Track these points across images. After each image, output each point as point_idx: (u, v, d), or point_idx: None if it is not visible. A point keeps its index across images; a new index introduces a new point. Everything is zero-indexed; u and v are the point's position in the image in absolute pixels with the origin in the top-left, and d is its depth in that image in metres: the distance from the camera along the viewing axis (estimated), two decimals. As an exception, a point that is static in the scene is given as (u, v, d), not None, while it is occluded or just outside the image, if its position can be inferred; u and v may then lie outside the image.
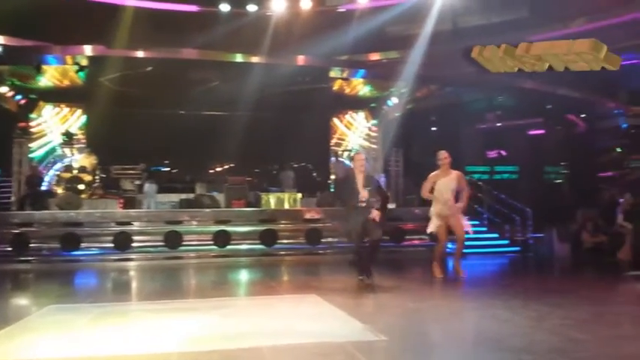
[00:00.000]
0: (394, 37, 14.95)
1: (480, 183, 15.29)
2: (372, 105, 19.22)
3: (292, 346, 4.53)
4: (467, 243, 9.42)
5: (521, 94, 17.33)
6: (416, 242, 13.17)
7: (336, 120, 20.00)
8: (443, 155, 8.52)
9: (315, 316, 5.67)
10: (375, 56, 15.28)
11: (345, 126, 20.07)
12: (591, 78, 15.40)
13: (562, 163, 20.00)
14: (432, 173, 8.60)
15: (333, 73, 16.29)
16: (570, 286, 8.40)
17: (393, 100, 17.96)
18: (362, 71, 16.02)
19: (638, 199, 10.11)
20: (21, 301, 8.01)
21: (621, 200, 11.71)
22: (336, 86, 17.61)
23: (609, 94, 17.23)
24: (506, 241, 13.68)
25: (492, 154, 20.41)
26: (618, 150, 18.32)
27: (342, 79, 16.65)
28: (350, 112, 20.04)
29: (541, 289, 7.93)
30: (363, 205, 7.65)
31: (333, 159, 15.67)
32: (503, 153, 20.26)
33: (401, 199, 16.36)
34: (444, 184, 8.40)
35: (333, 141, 19.73)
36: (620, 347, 4.41)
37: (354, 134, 19.96)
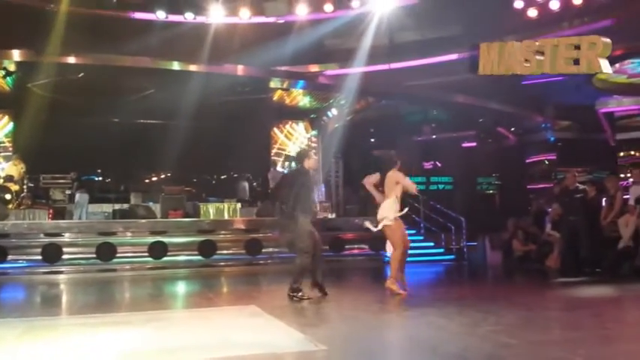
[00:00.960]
0: (333, 50, 15.19)
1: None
2: (313, 116, 19.37)
3: (230, 358, 4.45)
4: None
5: (454, 108, 17.95)
6: (355, 252, 13.32)
7: (276, 130, 19.98)
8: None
9: (254, 328, 5.61)
10: (314, 68, 15.43)
11: (286, 136, 20.08)
12: (520, 93, 16.19)
13: (494, 175, 20.79)
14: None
15: (273, 84, 16.30)
16: (502, 293, 8.70)
17: (333, 112, 18.16)
18: (301, 82, 16.13)
19: (564, 209, 10.60)
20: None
21: (549, 210, 12.27)
22: (276, 96, 17.62)
23: (537, 109, 18.10)
24: (441, 250, 14.07)
25: (428, 165, 20.97)
26: (546, 162, 19.23)
27: (282, 89, 16.69)
28: (290, 123, 20.08)
29: (475, 296, 8.18)
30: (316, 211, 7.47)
31: (271, 169, 15.64)
32: (439, 164, 20.86)
33: (341, 209, 16.50)
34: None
35: (274, 151, 19.70)
36: (549, 351, 4.59)
37: (294, 144, 20.00)
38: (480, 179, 20.71)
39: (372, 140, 20.47)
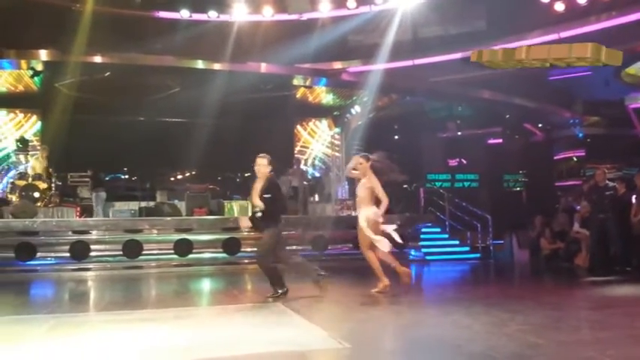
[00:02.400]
0: (356, 46, 15.11)
1: (441, 191, 15.54)
2: (336, 113, 19.33)
3: (254, 355, 4.47)
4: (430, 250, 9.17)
5: (480, 104, 17.73)
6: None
7: (299, 127, 20.00)
8: (358, 160, 7.79)
9: (278, 325, 5.61)
10: (337, 65, 15.39)
11: (309, 134, 20.09)
12: (547, 89, 15.92)
13: (520, 172, 20.48)
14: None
15: (296, 81, 16.31)
16: (529, 292, 8.57)
17: (356, 109, 18.09)
18: (324, 79, 16.10)
19: (593, 206, 10.39)
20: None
21: (578, 207, 12.04)
22: (299, 94, 17.63)
23: (565, 104, 17.77)
24: (467, 248, 13.92)
25: (453, 162, 20.75)
26: (575, 159, 18.88)
27: (305, 87, 16.69)
28: (313, 120, 20.08)
29: (501, 295, 8.07)
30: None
31: (294, 167, 15.64)
32: (464, 161, 20.62)
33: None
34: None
35: (297, 148, 19.73)
36: (578, 352, 4.50)
37: (318, 142, 20.00)
38: (506, 176, 20.43)
39: (396, 137, 20.34)
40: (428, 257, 13.20)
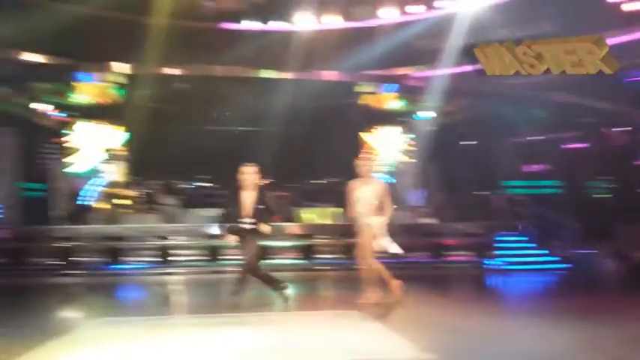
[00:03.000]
0: (422, 51, 14.98)
1: (521, 198, 15.05)
2: (404, 119, 19.16)
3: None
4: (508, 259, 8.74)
5: (554, 107, 17.07)
6: (457, 258, 13.00)
7: (367, 135, 19.97)
8: (361, 163, 7.61)
9: (359, 333, 5.63)
10: (403, 70, 15.31)
11: (379, 141, 20.01)
12: (627, 90, 15.10)
13: (604, 178, 19.48)
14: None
15: (363, 88, 16.33)
16: (619, 304, 8.14)
17: (424, 114, 17.88)
18: (390, 85, 16.02)
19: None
20: (68, 314, 8.16)
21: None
22: (365, 101, 17.64)
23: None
24: (552, 258, 13.35)
25: (528, 168, 20.04)
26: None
27: (371, 93, 16.66)
28: (383, 127, 19.99)
29: (589, 307, 7.72)
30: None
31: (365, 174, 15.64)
32: (540, 167, 19.87)
33: (440, 214, 16.20)
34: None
35: (367, 156, 19.68)
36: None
37: (387, 149, 19.89)
38: (590, 182, 19.50)
39: (466, 143, 19.89)
40: (506, 267, 12.81)
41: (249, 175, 7.20)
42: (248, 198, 7.12)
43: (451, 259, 12.96)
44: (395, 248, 7.41)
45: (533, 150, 19.79)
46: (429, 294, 9.10)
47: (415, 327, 6.33)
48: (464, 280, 11.67)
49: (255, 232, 7.08)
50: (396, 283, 7.38)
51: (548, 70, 7.69)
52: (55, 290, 10.39)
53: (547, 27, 13.44)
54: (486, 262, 12.89)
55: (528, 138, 19.59)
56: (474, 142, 19.51)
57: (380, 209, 7.29)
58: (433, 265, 12.56)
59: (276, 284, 7.38)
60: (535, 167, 19.99)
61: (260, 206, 7.11)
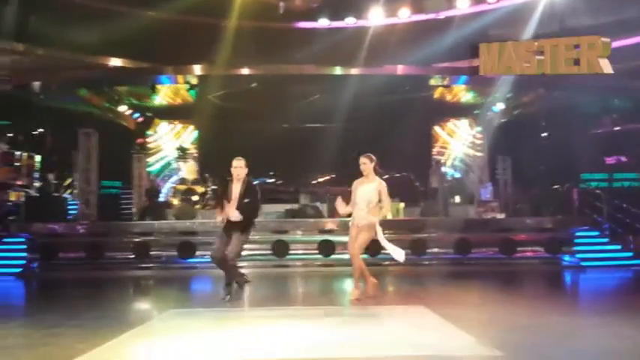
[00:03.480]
0: (497, 41, 14.49)
1: (598, 191, 14.33)
2: (476, 111, 18.71)
3: (402, 357, 4.51)
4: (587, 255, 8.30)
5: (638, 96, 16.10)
6: (528, 254, 12.55)
7: (437, 128, 19.65)
8: (362, 160, 7.39)
9: (423, 328, 5.57)
10: (477, 62, 14.87)
11: (448, 134, 19.66)
12: None
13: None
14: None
15: (433, 81, 16.06)
16: None
17: (499, 106, 17.35)
18: (464, 78, 15.66)
19: None
20: (143, 305, 8.55)
21: None
22: (437, 94, 17.33)
23: None
24: (629, 254, 12.66)
25: (610, 160, 19.01)
26: None
27: (443, 86, 16.36)
28: (452, 120, 19.62)
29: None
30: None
31: (433, 167, 15.41)
32: (623, 159, 18.80)
33: (510, 208, 15.71)
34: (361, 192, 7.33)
35: (435, 149, 19.40)
36: None
37: (458, 142, 19.50)
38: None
39: (544, 135, 19.15)
40: (583, 263, 12.25)
41: (241, 169, 7.25)
42: (235, 191, 7.20)
43: (522, 255, 12.52)
44: (398, 254, 7.35)
45: (613, 141, 18.78)
46: (497, 291, 8.88)
47: (482, 324, 6.18)
48: (535, 276, 11.27)
49: (240, 225, 7.11)
50: (373, 282, 7.47)
51: (542, 71, 7.80)
52: (130, 283, 10.92)
53: (633, 12, 12.73)
54: (561, 258, 12.38)
55: (608, 129, 18.60)
56: (551, 134, 18.75)
57: (379, 208, 7.20)
58: (503, 261, 12.19)
59: (239, 277, 7.40)
60: (615, 159, 18.95)
61: (246, 200, 7.14)
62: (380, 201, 7.22)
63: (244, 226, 7.17)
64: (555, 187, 16.09)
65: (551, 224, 12.98)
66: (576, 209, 14.18)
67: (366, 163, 7.32)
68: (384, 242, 7.29)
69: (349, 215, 7.44)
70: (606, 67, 7.44)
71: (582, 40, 7.58)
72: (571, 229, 12.86)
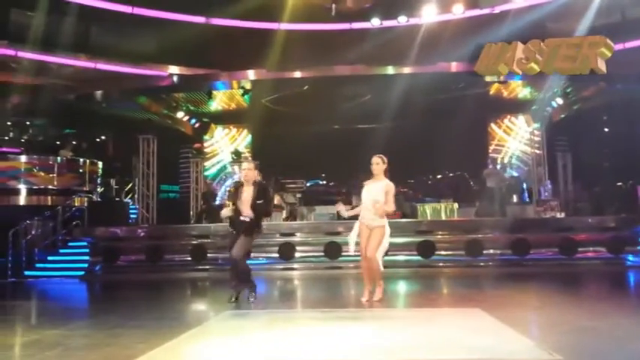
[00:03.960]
0: (556, 34, 14.02)
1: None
2: (534, 107, 18.14)
3: (458, 361, 4.42)
4: None
5: None
6: (590, 254, 12.08)
7: (493, 125, 19.20)
8: (374, 160, 7.35)
9: (480, 331, 5.45)
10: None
11: (504, 131, 19.18)
12: None
13: None
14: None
15: (489, 77, 15.67)
16: None
17: (558, 101, 16.78)
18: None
19: None
20: (200, 306, 8.76)
21: None
22: (493, 90, 16.94)
23: None
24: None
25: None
26: None
27: (499, 82, 15.96)
28: (509, 117, 19.13)
29: None
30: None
31: (489, 167, 15.03)
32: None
33: (571, 206, 15.16)
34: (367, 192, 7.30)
35: (492, 147, 18.96)
36: None
37: (514, 139, 18.99)
38: None
39: (606, 130, 18.38)
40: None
41: (250, 171, 7.39)
42: (247, 193, 7.31)
43: (584, 255, 12.05)
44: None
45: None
46: (556, 293, 8.58)
47: (541, 327, 6.02)
48: (597, 277, 10.83)
49: (251, 227, 7.24)
50: (382, 286, 7.46)
51: (537, 69, 8.24)
52: (188, 285, 11.21)
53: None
54: (625, 258, 11.85)
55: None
56: (613, 129, 17.98)
57: (384, 210, 7.11)
58: (563, 262, 11.79)
59: (249, 283, 7.55)
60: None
61: (259, 201, 7.24)
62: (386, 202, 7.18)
63: (251, 228, 7.31)
64: (618, 184, 15.43)
65: (613, 223, 12.45)
66: (643, 207, 13.54)
67: (379, 164, 7.30)
68: (386, 245, 7.30)
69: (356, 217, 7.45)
70: (602, 65, 7.91)
71: (585, 39, 7.68)
72: (635, 227, 12.29)
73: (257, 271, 12.43)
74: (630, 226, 12.32)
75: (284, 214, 14.81)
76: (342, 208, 7.71)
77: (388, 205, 7.14)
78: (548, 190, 15.41)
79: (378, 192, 7.14)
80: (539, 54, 7.84)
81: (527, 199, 15.65)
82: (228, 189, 17.25)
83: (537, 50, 7.90)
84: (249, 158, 7.79)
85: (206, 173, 18.80)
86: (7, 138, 16.47)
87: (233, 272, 7.54)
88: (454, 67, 14.76)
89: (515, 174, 17.98)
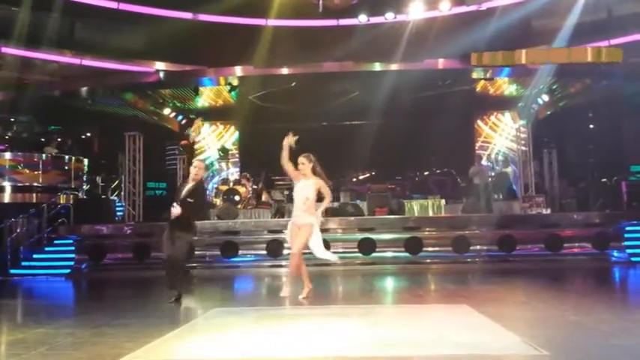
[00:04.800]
0: (541, 31, 14.14)
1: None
2: (520, 104, 18.27)
3: (445, 356, 4.44)
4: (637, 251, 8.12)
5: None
6: (575, 250, 12.21)
7: (480, 122, 19.30)
8: (300, 160, 7.48)
9: (467, 327, 5.48)
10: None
11: (491, 128, 19.29)
12: None
13: None
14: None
15: (475, 74, 15.77)
16: None
17: (544, 98, 16.91)
18: (507, 70, 15.31)
19: None
20: (188, 304, 8.70)
21: None
22: (479, 87, 17.02)
23: None
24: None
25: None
26: None
27: (486, 79, 16.04)
28: (495, 113, 19.23)
29: None
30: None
31: (475, 164, 15.12)
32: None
33: (557, 203, 15.30)
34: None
35: (478, 144, 19.06)
36: None
37: (501, 136, 19.11)
38: None
39: (591, 126, 18.55)
40: (633, 259, 11.84)
41: (198, 170, 7.45)
42: (184, 189, 7.34)
43: (569, 251, 12.18)
44: (330, 256, 7.43)
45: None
46: (543, 289, 8.66)
47: (527, 322, 6.06)
48: (583, 273, 10.95)
49: (180, 224, 7.20)
50: (310, 287, 7.43)
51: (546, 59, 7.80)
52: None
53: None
54: (610, 254, 12.00)
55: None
56: (599, 126, 18.15)
57: (314, 208, 7.18)
58: (549, 258, 11.90)
59: (180, 287, 7.44)
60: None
61: (190, 199, 7.22)
62: (320, 200, 7.26)
63: (184, 226, 7.23)
64: (603, 180, 15.59)
65: (599, 219, 12.61)
66: (625, 203, 13.71)
67: (304, 164, 7.38)
68: (314, 245, 7.30)
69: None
70: (616, 55, 7.73)
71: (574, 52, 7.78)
72: (620, 223, 12.45)
73: (245, 268, 12.47)
74: (615, 222, 12.48)
75: (271, 211, 14.79)
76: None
77: (327, 199, 7.25)
78: (533, 186, 15.36)
79: (308, 190, 7.21)
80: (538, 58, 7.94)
81: (517, 194, 15.67)
82: (215, 186, 17.22)
83: (521, 60, 8.01)
84: (201, 159, 7.80)
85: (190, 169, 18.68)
86: (-9, 135, 16.28)
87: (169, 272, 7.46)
88: (441, 64, 14.81)
89: (505, 169, 18.08)
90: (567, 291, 8.81)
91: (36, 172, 14.31)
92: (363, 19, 13.88)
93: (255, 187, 15.38)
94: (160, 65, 15.03)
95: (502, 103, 18.58)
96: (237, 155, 19.27)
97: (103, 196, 16.65)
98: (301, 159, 7.43)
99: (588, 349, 4.75)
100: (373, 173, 18.59)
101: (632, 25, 13.04)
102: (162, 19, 13.97)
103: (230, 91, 16.56)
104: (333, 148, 17.25)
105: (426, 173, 17.10)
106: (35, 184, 14.30)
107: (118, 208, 15.95)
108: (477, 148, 18.90)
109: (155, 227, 13.48)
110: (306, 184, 7.29)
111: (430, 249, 12.47)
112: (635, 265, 11.45)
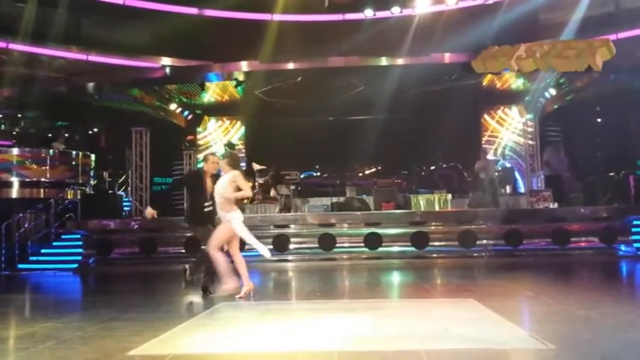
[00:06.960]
0: (549, 25, 14.03)
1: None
2: (527, 98, 18.16)
3: (451, 350, 4.43)
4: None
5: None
6: (582, 244, 12.16)
7: (486, 116, 19.22)
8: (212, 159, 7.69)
9: (474, 322, 5.47)
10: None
11: (497, 122, 19.21)
12: None
13: None
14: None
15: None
16: None
17: (551, 92, 16.80)
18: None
19: None
20: (194, 298, 8.72)
21: None
22: (486, 81, 16.93)
23: None
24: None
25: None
26: None
27: (493, 73, 15.93)
28: (502, 108, 19.14)
29: None
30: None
31: (481, 158, 15.06)
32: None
33: (564, 197, 15.22)
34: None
35: (485, 138, 18.98)
36: None
37: (508, 130, 19.02)
38: None
39: (599, 120, 18.43)
40: (640, 253, 11.79)
41: (213, 164, 7.61)
42: (209, 184, 7.52)
43: (576, 245, 12.14)
44: (264, 251, 7.42)
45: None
46: (549, 283, 8.63)
47: (534, 317, 6.05)
48: (590, 267, 10.91)
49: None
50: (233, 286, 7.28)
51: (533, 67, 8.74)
52: (182, 277, 11.15)
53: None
54: (617, 248, 11.94)
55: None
56: (607, 119, 18.03)
57: (235, 202, 7.17)
58: (556, 252, 11.86)
59: (200, 274, 7.73)
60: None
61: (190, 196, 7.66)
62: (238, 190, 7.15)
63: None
64: (611, 174, 15.50)
65: (606, 213, 12.54)
66: (633, 197, 13.63)
67: (216, 162, 7.58)
68: (247, 238, 7.38)
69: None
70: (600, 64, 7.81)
71: (587, 41, 7.85)
72: (627, 217, 12.39)
73: (251, 263, 12.46)
74: (622, 216, 12.41)
75: (279, 205, 14.79)
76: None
77: (245, 191, 7.16)
78: (541, 180, 15.29)
79: (223, 186, 7.11)
80: (540, 52, 7.92)
81: (521, 190, 15.64)
82: (262, 182, 17.22)
83: (538, 49, 7.98)
84: (214, 154, 8.07)
85: (199, 165, 18.72)
86: (-2, 131, 16.37)
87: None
88: (448, 58, 14.74)
89: (508, 165, 18.02)
90: (574, 285, 8.78)
91: (43, 168, 14.39)
92: (369, 13, 13.83)
93: (261, 181, 15.38)
94: (166, 61, 15.05)
95: (509, 97, 18.48)
96: (243, 150, 19.27)
97: (110, 191, 16.72)
98: (213, 158, 7.77)
99: (595, 343, 4.73)
100: (379, 168, 18.59)
101: (640, 17, 12.93)
102: (168, 15, 13.97)
103: (236, 87, 16.56)
104: (339, 143, 17.28)
105: (432, 168, 17.08)
106: (43, 179, 14.38)
107: (125, 203, 16.01)
108: (483, 142, 18.83)
109: (162, 222, 13.58)
110: (222, 182, 7.19)
111: (436, 243, 12.46)
112: (642, 260, 11.41)
